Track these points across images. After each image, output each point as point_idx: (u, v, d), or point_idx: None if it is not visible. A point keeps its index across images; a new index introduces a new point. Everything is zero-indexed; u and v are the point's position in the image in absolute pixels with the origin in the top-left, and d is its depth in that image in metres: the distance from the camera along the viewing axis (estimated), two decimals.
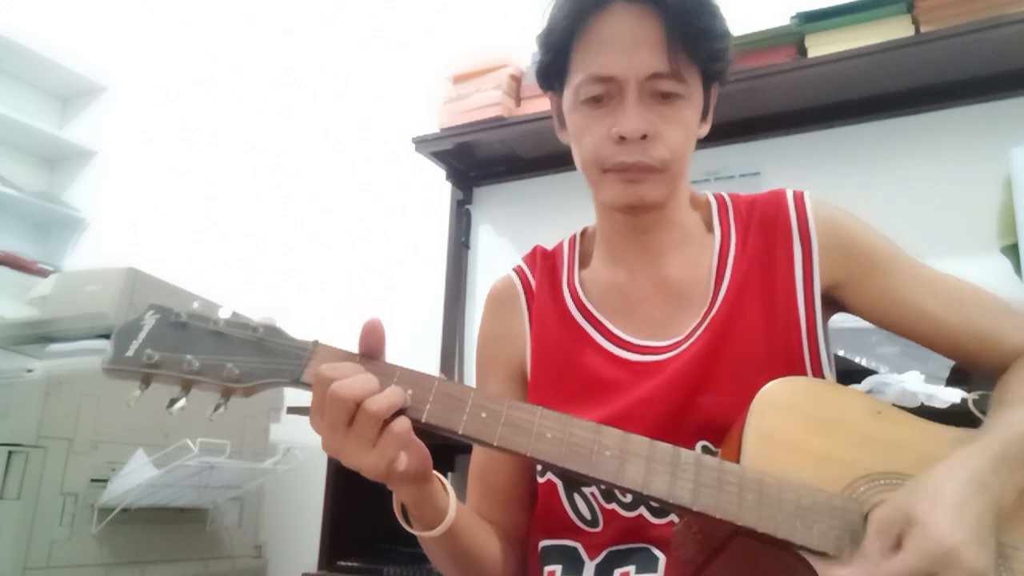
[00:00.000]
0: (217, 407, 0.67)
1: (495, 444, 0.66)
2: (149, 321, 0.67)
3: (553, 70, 0.85)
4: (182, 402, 0.66)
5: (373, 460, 0.63)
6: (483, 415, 0.66)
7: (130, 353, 0.65)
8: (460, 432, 0.66)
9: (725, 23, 0.81)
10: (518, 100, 2.03)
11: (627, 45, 0.77)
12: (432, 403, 0.66)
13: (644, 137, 0.78)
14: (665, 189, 0.82)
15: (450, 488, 0.75)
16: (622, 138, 0.78)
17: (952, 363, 1.34)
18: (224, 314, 0.68)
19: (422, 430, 0.68)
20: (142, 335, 0.65)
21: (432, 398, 0.66)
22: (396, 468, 0.65)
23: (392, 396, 0.63)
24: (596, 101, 0.80)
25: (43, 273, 2.41)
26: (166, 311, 0.67)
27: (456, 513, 0.74)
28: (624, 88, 0.78)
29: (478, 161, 2.21)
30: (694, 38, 0.78)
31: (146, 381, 0.66)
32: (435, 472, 0.73)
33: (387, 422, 0.63)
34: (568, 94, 0.83)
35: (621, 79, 0.78)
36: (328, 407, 0.63)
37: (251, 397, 0.68)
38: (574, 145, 0.85)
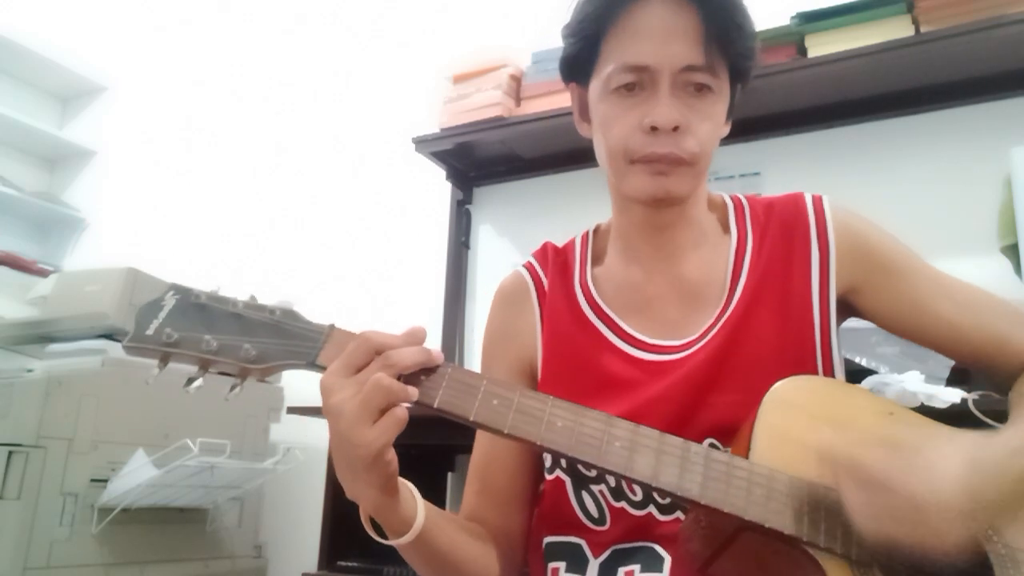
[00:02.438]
0: (233, 387, 0.68)
1: (506, 431, 0.66)
2: (169, 301, 0.68)
3: (580, 60, 0.84)
4: (199, 381, 0.67)
5: (372, 436, 0.63)
6: (495, 402, 0.66)
7: (150, 332, 0.66)
8: (472, 419, 0.66)
9: (753, 23, 0.81)
10: (518, 100, 2.03)
11: (663, 35, 0.77)
12: (445, 389, 0.67)
13: (676, 129, 0.77)
14: (691, 183, 0.82)
15: (418, 496, 0.74)
16: (654, 128, 0.77)
17: (952, 363, 1.34)
18: (243, 297, 0.70)
19: (420, 422, 0.68)
20: (162, 315, 0.67)
21: (445, 384, 0.67)
22: (386, 455, 0.65)
23: (416, 353, 0.66)
24: (627, 90, 0.79)
25: (43, 273, 2.41)
26: (186, 292, 0.69)
27: (427, 520, 0.73)
28: (657, 78, 0.77)
29: (478, 161, 2.21)
30: (730, 34, 0.78)
31: (165, 360, 0.67)
32: (404, 480, 0.73)
33: (390, 405, 0.64)
34: (596, 84, 0.82)
35: (655, 69, 0.77)
36: (352, 348, 0.66)
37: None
38: (599, 135, 0.84)
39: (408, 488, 0.73)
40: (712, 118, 0.80)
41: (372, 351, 0.65)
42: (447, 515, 0.82)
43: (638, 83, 0.78)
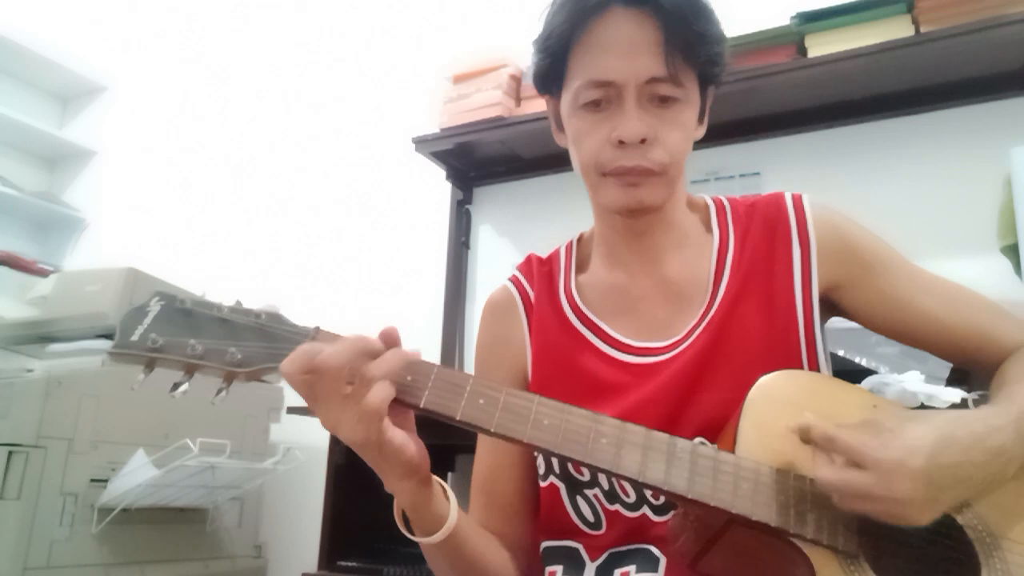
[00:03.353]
0: (219, 391, 0.69)
1: (492, 430, 0.66)
2: (154, 307, 0.68)
3: (551, 74, 0.85)
4: (185, 386, 0.68)
5: (351, 424, 0.64)
6: (481, 401, 0.67)
7: (135, 337, 0.66)
8: (458, 418, 0.66)
9: (721, 27, 0.82)
10: (518, 100, 2.03)
11: (625, 50, 0.78)
12: (431, 389, 0.67)
13: (643, 141, 0.78)
14: (664, 192, 0.83)
15: (451, 494, 0.75)
16: (621, 142, 0.78)
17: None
18: (228, 303, 0.70)
19: (420, 422, 0.68)
20: (147, 320, 0.67)
21: (431, 384, 0.67)
22: (384, 435, 0.65)
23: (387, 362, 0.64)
24: (595, 105, 0.80)
25: (43, 273, 2.41)
26: (171, 298, 0.69)
27: (457, 520, 0.73)
28: (623, 92, 0.78)
29: (478, 161, 2.22)
30: (692, 42, 0.78)
31: (150, 365, 0.67)
32: (437, 478, 0.74)
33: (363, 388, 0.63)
34: (566, 98, 0.84)
35: (620, 84, 0.78)
36: (319, 388, 0.65)
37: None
38: (573, 149, 0.85)
39: (442, 487, 0.74)
40: (680, 126, 0.81)
41: (337, 380, 0.64)
42: (473, 520, 0.83)
43: (604, 98, 0.80)
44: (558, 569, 0.83)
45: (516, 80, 2.04)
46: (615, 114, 0.79)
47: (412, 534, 0.74)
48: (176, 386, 0.67)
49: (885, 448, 0.63)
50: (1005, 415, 0.70)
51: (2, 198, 2.80)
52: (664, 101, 0.79)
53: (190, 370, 0.67)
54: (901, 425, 0.66)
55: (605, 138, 0.80)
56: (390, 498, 0.74)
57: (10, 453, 1.57)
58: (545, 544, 0.86)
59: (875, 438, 0.64)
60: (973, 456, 0.66)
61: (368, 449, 0.66)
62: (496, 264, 2.20)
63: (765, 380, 0.72)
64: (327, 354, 0.63)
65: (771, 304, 0.83)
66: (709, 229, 0.90)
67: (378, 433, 0.65)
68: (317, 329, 0.70)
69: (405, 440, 0.67)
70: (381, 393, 0.63)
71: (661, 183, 0.81)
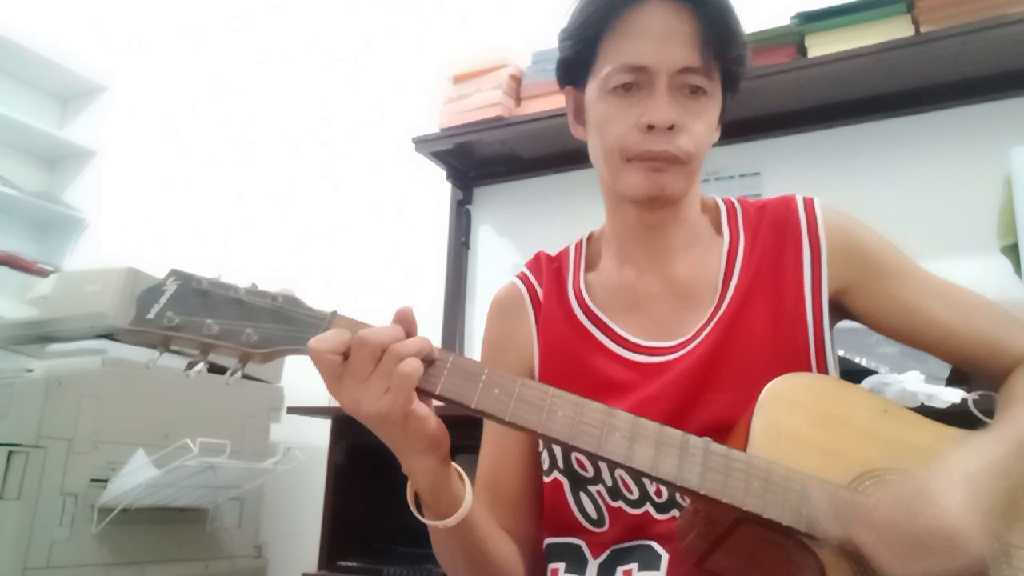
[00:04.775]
0: (233, 372, 0.69)
1: (507, 419, 0.66)
2: (171, 286, 0.68)
3: (578, 63, 0.85)
4: (200, 366, 0.68)
5: (375, 396, 0.64)
6: (496, 391, 0.67)
7: (151, 316, 0.66)
8: (473, 406, 0.66)
9: (744, 32, 0.83)
10: (518, 100, 2.03)
11: (662, 37, 0.79)
12: (447, 376, 0.67)
13: (672, 128, 0.79)
14: (685, 182, 0.83)
15: (466, 479, 0.75)
16: (650, 127, 0.79)
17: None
18: (243, 284, 0.70)
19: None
20: (163, 299, 0.67)
21: (447, 371, 0.67)
22: (410, 403, 0.65)
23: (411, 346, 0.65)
24: (624, 90, 0.81)
25: (43, 273, 2.41)
26: (187, 277, 0.69)
27: (471, 506, 0.73)
28: (655, 79, 0.79)
29: (478, 161, 2.22)
30: (725, 39, 0.80)
31: (165, 344, 0.67)
32: (452, 463, 0.73)
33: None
34: (593, 85, 0.84)
35: (653, 70, 0.79)
36: (357, 364, 0.65)
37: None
38: (595, 135, 0.85)
39: (458, 470, 0.74)
40: (706, 119, 0.82)
41: (374, 356, 0.65)
42: (483, 509, 0.82)
43: (635, 83, 0.80)
44: (560, 566, 0.83)
45: (516, 80, 2.04)
46: (645, 99, 0.80)
47: (423, 517, 0.74)
48: (191, 365, 0.67)
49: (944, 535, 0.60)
50: (1011, 437, 0.71)
51: (2, 198, 2.80)
52: (694, 92, 0.80)
53: (205, 350, 0.67)
54: (931, 490, 0.63)
55: (633, 123, 0.80)
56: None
57: (10, 453, 1.57)
58: (548, 541, 0.86)
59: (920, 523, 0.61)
60: (997, 492, 0.66)
61: (391, 423, 0.65)
62: (496, 264, 2.20)
63: (777, 381, 0.72)
64: (371, 329, 0.65)
65: (780, 306, 0.83)
66: (719, 230, 0.90)
67: (406, 401, 0.64)
68: (334, 313, 0.70)
69: (428, 412, 0.67)
70: (414, 363, 0.64)
71: (683, 173, 0.82)
